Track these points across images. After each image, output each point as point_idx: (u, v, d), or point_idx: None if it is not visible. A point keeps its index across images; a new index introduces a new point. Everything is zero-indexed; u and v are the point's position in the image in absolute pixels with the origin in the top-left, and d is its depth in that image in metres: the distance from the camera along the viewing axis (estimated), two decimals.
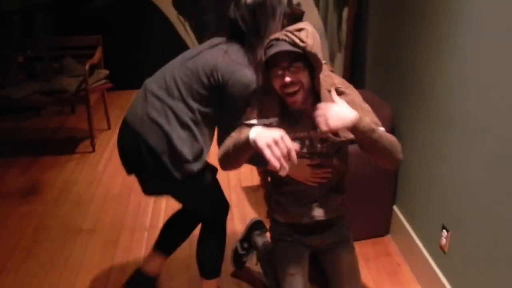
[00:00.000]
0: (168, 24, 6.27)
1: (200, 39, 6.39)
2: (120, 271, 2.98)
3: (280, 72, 1.88)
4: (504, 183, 1.95)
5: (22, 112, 5.66)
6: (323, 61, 1.93)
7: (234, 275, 2.91)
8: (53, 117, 5.63)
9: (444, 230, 2.46)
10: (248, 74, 2.03)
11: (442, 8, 2.37)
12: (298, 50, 1.83)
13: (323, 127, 1.78)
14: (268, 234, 2.64)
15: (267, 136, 1.73)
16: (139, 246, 3.21)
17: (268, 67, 1.93)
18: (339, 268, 2.28)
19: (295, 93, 1.90)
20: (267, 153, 1.70)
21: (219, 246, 2.49)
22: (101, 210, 3.65)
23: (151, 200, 3.73)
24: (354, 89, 2.09)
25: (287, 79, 1.87)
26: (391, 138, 1.96)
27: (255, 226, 2.90)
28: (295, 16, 5.53)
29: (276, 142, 1.71)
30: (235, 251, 2.87)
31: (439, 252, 2.53)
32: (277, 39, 1.87)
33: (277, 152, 1.70)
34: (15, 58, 5.19)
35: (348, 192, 2.27)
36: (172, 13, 6.28)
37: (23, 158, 4.58)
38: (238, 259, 2.89)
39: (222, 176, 4.01)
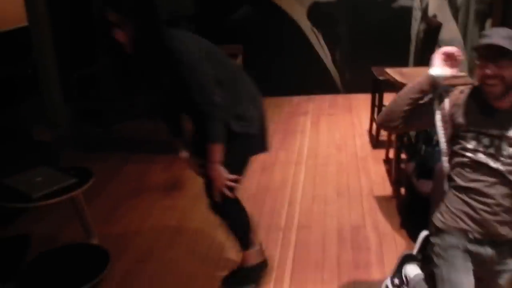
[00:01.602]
0: (302, 36, 6.46)
1: (332, 51, 6.51)
2: None
3: (484, 62, 1.96)
4: None
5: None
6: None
7: None
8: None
9: None
10: None
11: None
12: (506, 47, 1.88)
13: None
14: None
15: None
16: (274, 245, 3.36)
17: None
18: None
19: (493, 85, 1.95)
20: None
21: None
22: None
23: (285, 202, 3.89)
24: None
25: (488, 71, 1.94)
26: None
27: (406, 259, 2.69)
28: (431, 28, 5.47)
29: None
30: None
31: None
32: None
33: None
34: None
35: None
36: (306, 25, 6.45)
37: (165, 156, 4.92)
38: None
39: (354, 184, 4.10)
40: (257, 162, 4.63)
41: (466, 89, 2.13)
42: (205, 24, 6.45)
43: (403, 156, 3.87)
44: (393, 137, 4.13)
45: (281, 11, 6.38)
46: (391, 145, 4.28)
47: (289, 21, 6.40)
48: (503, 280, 2.18)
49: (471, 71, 4.03)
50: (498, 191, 2.02)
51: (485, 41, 1.93)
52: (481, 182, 2.04)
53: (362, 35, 6.42)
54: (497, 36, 1.92)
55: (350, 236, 3.41)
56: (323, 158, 4.68)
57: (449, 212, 2.14)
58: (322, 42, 6.53)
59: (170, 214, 3.84)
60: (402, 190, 3.73)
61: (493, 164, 2.00)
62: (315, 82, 6.59)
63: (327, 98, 6.45)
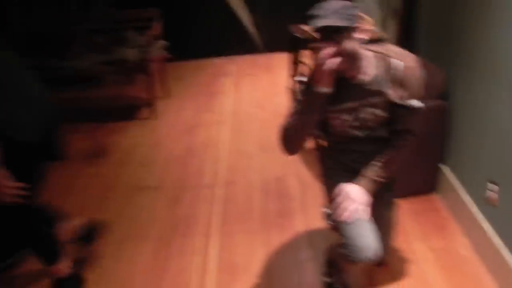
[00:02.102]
0: None
1: (252, 11, 6.53)
2: (185, 224, 3.24)
3: (323, 43, 1.90)
4: None
5: (82, 82, 5.92)
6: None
7: None
8: (113, 87, 5.89)
9: (493, 185, 2.58)
10: None
11: None
12: (335, 25, 1.84)
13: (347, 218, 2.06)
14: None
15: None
16: (203, 202, 3.45)
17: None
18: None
19: (339, 62, 1.91)
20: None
21: None
22: (164, 170, 3.90)
23: (211, 160, 3.97)
24: (410, 60, 2.04)
25: (330, 51, 1.89)
26: (400, 154, 2.12)
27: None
28: None
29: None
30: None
31: (488, 206, 2.65)
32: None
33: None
34: (77, 32, 5.46)
35: None
36: None
37: (87, 124, 4.86)
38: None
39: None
40: (181, 124, 4.70)
41: None
42: None
43: None
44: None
45: None
46: None
47: None
48: (386, 209, 2.36)
49: (384, 26, 4.18)
50: (368, 147, 2.16)
51: (318, 23, 1.86)
52: (352, 143, 2.17)
53: None
54: (328, 14, 1.86)
55: (275, 187, 3.54)
56: (246, 117, 4.77)
57: (331, 158, 2.32)
58: (241, 2, 6.53)
59: (95, 181, 3.82)
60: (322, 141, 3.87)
61: (361, 133, 2.12)
62: (236, 43, 6.61)
63: (248, 58, 6.50)
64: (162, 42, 5.13)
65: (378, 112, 2.06)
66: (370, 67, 2.02)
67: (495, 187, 2.57)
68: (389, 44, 2.12)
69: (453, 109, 3.07)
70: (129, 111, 5.12)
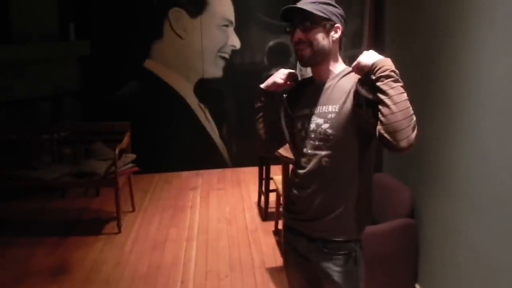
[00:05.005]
0: (189, 111, 6.58)
1: (219, 126, 6.68)
2: None
3: (291, 28, 1.93)
4: None
5: (47, 194, 5.84)
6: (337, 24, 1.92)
7: None
8: (78, 199, 5.81)
9: None
10: None
11: (452, 91, 2.60)
12: (306, 9, 1.86)
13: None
14: None
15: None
16: None
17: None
18: None
19: (303, 49, 1.91)
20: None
21: None
22: None
23: (178, 280, 3.85)
24: None
25: (296, 36, 1.90)
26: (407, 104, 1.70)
27: None
28: None
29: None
30: None
31: None
32: None
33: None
34: (46, 142, 5.46)
35: (367, 271, 2.03)
36: (193, 101, 6.60)
37: (50, 238, 4.72)
38: None
39: (246, 257, 4.15)
40: (147, 240, 4.59)
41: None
42: (90, 101, 6.39)
43: None
44: (281, 208, 4.26)
45: (168, 87, 6.49)
46: (280, 216, 4.41)
47: (176, 97, 6.51)
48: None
49: None
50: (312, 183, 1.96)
51: (287, 6, 1.89)
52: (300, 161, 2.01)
53: (247, 110, 6.62)
54: (304, 3, 1.89)
55: None
56: (214, 233, 4.71)
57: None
58: (209, 117, 6.68)
59: None
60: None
61: (308, 150, 1.95)
62: (204, 157, 6.68)
63: (216, 173, 6.56)
64: (130, 155, 5.15)
65: (325, 126, 1.90)
66: (334, 72, 1.97)
67: None
68: None
69: (422, 227, 3.12)
70: (94, 225, 5.01)
